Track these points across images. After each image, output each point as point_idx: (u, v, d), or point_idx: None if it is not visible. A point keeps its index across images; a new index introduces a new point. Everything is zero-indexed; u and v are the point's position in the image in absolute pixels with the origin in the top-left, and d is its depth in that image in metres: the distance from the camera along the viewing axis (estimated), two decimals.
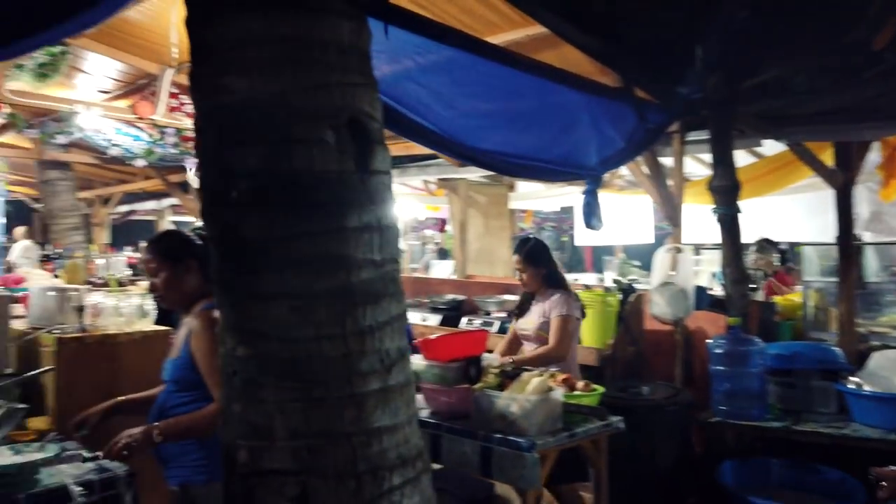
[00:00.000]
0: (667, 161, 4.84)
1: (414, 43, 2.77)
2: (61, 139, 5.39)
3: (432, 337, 3.41)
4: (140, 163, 5.69)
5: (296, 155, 1.39)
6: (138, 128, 5.72)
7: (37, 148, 6.96)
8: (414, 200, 8.75)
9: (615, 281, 4.71)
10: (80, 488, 2.23)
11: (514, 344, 4.00)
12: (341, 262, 1.42)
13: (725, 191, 4.26)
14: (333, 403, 1.41)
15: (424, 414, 3.28)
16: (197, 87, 1.44)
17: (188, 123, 5.34)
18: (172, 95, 5.23)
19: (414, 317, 5.34)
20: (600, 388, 3.37)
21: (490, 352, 4.12)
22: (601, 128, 3.83)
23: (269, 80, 1.39)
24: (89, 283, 5.55)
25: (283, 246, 1.40)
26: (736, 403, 3.86)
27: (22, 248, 8.99)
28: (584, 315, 3.91)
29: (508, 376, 3.05)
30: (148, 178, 8.49)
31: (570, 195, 8.20)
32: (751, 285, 4.98)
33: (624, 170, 5.96)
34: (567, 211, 10.42)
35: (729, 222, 4.31)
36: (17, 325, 3.21)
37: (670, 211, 4.53)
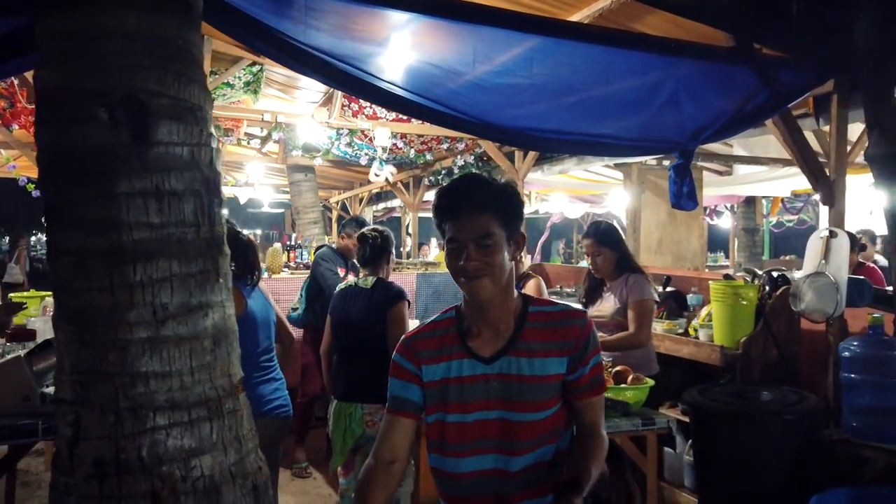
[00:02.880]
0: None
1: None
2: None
3: None
4: (317, 161, 6.44)
5: (72, 131, 1.63)
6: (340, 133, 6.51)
7: (281, 154, 8.24)
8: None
9: (747, 270, 4.06)
10: None
11: None
12: (112, 223, 1.62)
13: (885, 159, 3.49)
14: (98, 346, 1.62)
15: None
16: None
17: (361, 125, 5.91)
18: (352, 100, 5.86)
19: None
20: (650, 382, 3.07)
21: None
22: (698, 95, 3.42)
23: (59, 69, 1.66)
24: (287, 267, 6.46)
25: (66, 210, 1.65)
26: (871, 420, 3.17)
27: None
28: (658, 300, 3.59)
29: None
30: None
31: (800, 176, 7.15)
32: None
33: None
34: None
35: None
36: None
37: (823, 187, 3.77)
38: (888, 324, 3.59)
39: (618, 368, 3.11)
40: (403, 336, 1.76)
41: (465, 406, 1.62)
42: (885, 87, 3.44)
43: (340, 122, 5.71)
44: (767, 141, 6.16)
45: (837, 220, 3.78)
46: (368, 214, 12.80)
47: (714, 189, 7.32)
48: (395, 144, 6.25)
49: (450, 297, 6.14)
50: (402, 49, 2.86)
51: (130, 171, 1.63)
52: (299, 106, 6.50)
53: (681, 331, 4.42)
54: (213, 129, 1.83)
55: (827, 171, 3.82)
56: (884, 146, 3.43)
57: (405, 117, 5.97)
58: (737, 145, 6.80)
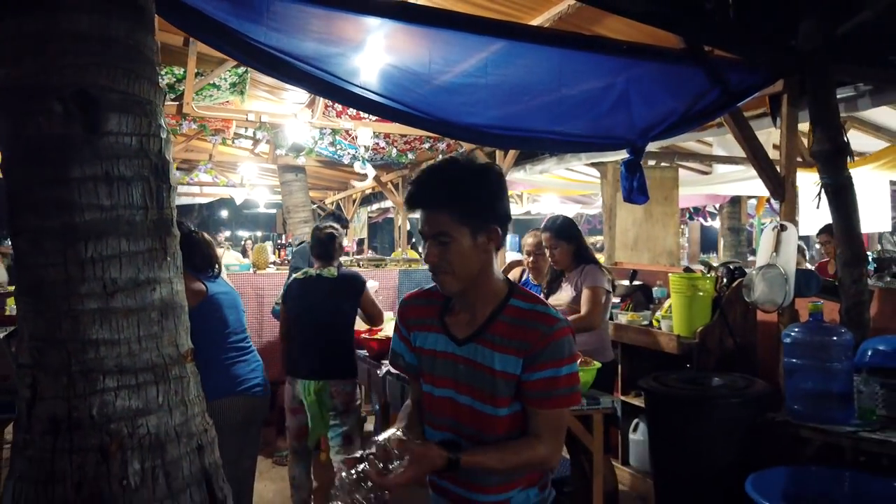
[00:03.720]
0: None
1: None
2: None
3: None
4: (301, 160, 6.61)
5: (29, 123, 1.81)
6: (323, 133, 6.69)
7: (272, 155, 8.42)
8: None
9: (702, 262, 4.21)
10: None
11: None
12: (65, 205, 1.80)
13: (827, 156, 3.66)
14: (53, 316, 1.80)
15: None
16: None
17: (344, 125, 6.08)
18: None
19: None
20: (597, 364, 3.23)
21: None
22: (649, 95, 3.59)
23: (15, 68, 1.83)
24: (273, 263, 6.63)
25: (24, 193, 1.83)
26: (811, 402, 3.34)
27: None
28: (613, 289, 3.77)
29: None
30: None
31: None
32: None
33: None
34: None
35: (836, 193, 3.69)
36: None
37: (774, 183, 3.93)
38: (833, 312, 3.75)
39: None
40: (404, 297, 1.89)
41: (436, 380, 1.69)
42: (827, 86, 3.60)
43: (324, 122, 5.89)
44: None
45: (788, 214, 3.94)
46: (363, 215, 12.98)
47: (691, 188, 7.45)
48: (377, 144, 6.41)
49: None
50: (366, 52, 3.02)
51: (82, 159, 1.81)
52: (287, 107, 6.68)
53: (646, 322, 4.59)
54: (162, 122, 2.00)
55: (778, 167, 3.98)
56: (826, 143, 3.59)
57: None
58: (716, 144, 6.94)
